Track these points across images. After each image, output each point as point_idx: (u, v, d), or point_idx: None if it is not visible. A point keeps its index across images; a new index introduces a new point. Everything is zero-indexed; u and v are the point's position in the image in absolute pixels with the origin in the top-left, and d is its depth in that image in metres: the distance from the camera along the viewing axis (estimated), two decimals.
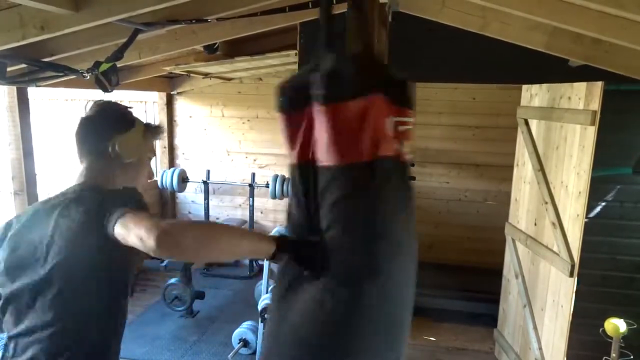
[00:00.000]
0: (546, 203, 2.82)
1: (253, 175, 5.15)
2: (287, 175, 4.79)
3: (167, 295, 3.97)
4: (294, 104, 1.20)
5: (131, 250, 1.08)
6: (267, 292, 3.48)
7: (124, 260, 1.20)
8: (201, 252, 1.05)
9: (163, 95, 5.51)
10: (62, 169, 6.35)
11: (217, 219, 5.61)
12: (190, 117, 5.59)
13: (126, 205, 1.13)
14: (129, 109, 1.40)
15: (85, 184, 1.32)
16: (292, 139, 1.21)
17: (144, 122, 1.42)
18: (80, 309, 1.17)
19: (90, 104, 1.37)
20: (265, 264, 3.51)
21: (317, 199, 1.16)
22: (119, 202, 1.15)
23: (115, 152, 1.30)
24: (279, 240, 1.13)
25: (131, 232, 1.04)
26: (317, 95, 1.12)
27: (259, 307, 3.36)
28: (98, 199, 1.20)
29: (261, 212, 5.56)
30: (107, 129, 1.32)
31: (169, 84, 5.43)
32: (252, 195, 5.12)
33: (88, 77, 2.56)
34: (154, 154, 1.48)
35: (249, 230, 1.23)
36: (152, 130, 1.43)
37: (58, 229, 1.18)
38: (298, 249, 1.15)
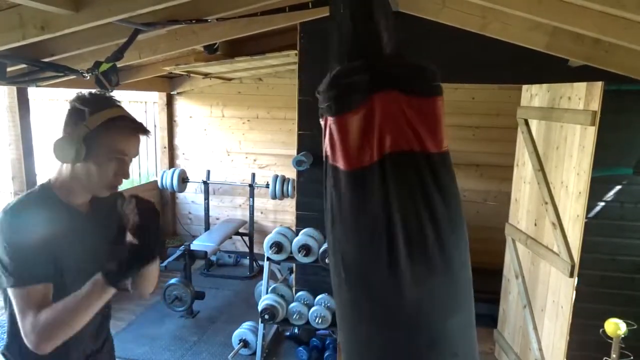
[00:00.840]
0: (546, 203, 2.82)
1: (253, 175, 5.15)
2: (287, 175, 4.79)
3: (167, 295, 3.97)
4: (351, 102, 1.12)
5: None
6: (267, 293, 3.48)
7: None
8: (69, 333, 1.18)
9: (163, 95, 5.51)
10: None
11: (217, 219, 5.61)
12: (190, 117, 5.59)
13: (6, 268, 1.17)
14: (93, 103, 1.25)
15: (44, 181, 1.34)
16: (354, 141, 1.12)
17: (110, 117, 1.24)
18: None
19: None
20: (265, 264, 3.50)
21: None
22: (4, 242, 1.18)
23: (56, 150, 1.25)
24: (105, 277, 1.16)
25: (18, 315, 1.17)
26: (324, 109, 1.12)
27: (259, 308, 3.36)
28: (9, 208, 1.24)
29: (261, 213, 5.56)
30: (62, 126, 1.28)
31: (169, 84, 5.43)
32: (252, 195, 5.12)
33: (88, 77, 2.56)
34: (119, 153, 1.27)
35: (88, 287, 1.14)
36: (113, 126, 1.25)
37: None
38: (125, 268, 1.18)
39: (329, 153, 1.16)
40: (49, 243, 1.20)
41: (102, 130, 1.23)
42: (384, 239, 1.10)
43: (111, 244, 1.35)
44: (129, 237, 1.19)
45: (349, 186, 1.13)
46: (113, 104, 1.29)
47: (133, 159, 1.33)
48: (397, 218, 1.10)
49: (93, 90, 1.31)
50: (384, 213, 1.10)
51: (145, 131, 1.31)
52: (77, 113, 1.24)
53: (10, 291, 1.18)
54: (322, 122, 1.21)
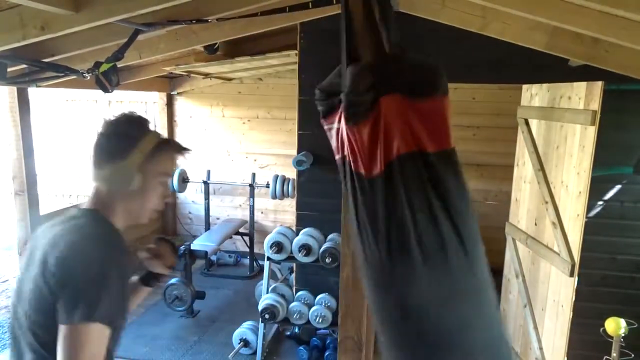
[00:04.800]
0: (546, 203, 2.82)
1: (253, 175, 5.15)
2: (287, 175, 4.79)
3: (168, 295, 3.97)
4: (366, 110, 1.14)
5: None
6: (267, 292, 3.48)
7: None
8: None
9: (163, 95, 5.52)
10: (62, 169, 6.35)
11: (218, 219, 5.61)
12: (191, 117, 5.59)
13: (76, 304, 1.02)
14: (139, 126, 1.21)
15: (89, 208, 1.20)
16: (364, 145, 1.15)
17: (157, 140, 1.21)
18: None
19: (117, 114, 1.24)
20: (266, 264, 3.51)
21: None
22: (78, 284, 1.04)
23: (109, 180, 1.17)
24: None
25: (68, 353, 1.01)
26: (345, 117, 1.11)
27: (260, 307, 3.36)
28: (75, 247, 1.09)
29: (262, 213, 5.56)
30: (108, 153, 1.18)
31: (169, 84, 5.43)
32: (252, 195, 5.13)
33: (88, 78, 2.56)
34: (168, 176, 1.27)
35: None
36: (163, 150, 1.22)
37: (42, 259, 1.10)
38: None
39: (351, 159, 1.18)
40: (120, 279, 1.11)
41: (154, 155, 1.19)
42: (400, 239, 1.14)
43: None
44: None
45: (370, 191, 1.16)
46: (149, 125, 1.26)
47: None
48: (409, 222, 1.12)
49: (127, 112, 1.25)
50: (398, 216, 1.13)
51: (187, 150, 1.29)
52: (128, 138, 1.18)
53: (81, 327, 1.01)
54: (323, 123, 1.22)
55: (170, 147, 1.25)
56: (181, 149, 1.28)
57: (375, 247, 1.15)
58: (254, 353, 3.50)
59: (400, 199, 1.12)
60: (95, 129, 1.21)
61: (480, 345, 1.18)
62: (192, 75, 4.84)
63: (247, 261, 5.30)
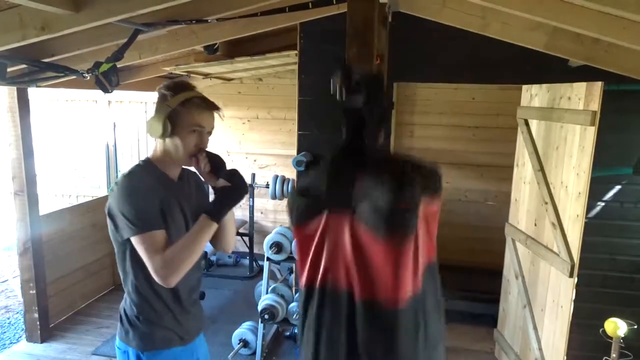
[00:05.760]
0: (546, 203, 2.82)
1: (253, 175, 5.15)
2: (287, 175, 4.80)
3: None
4: (309, 214, 1.18)
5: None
6: (267, 293, 3.48)
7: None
8: (188, 266, 1.49)
9: None
10: (62, 169, 6.36)
11: None
12: None
13: (129, 222, 1.44)
14: (172, 88, 1.53)
15: (143, 158, 1.65)
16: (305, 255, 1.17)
17: (185, 98, 1.51)
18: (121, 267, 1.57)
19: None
20: (265, 264, 3.51)
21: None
22: (122, 206, 1.45)
23: (148, 129, 1.53)
24: (209, 215, 1.52)
25: (146, 258, 1.44)
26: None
27: (259, 308, 3.36)
28: (122, 181, 1.51)
29: (261, 213, 5.56)
30: (154, 109, 1.55)
31: None
32: (252, 195, 5.12)
33: (88, 78, 2.56)
34: (197, 127, 1.55)
35: (196, 226, 1.55)
36: (190, 106, 1.53)
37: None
38: (220, 206, 1.55)
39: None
40: (158, 201, 1.49)
41: (181, 108, 1.51)
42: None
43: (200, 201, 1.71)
44: (222, 182, 1.56)
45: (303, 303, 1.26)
46: (189, 87, 1.57)
47: (211, 132, 1.63)
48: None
49: (176, 79, 1.55)
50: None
51: (215, 107, 1.59)
52: (162, 97, 1.53)
53: (135, 238, 1.43)
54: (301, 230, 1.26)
55: (195, 101, 1.54)
56: (205, 104, 1.56)
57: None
58: (254, 353, 3.50)
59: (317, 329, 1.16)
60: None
61: None
62: (192, 75, 4.83)
63: (246, 261, 5.29)
